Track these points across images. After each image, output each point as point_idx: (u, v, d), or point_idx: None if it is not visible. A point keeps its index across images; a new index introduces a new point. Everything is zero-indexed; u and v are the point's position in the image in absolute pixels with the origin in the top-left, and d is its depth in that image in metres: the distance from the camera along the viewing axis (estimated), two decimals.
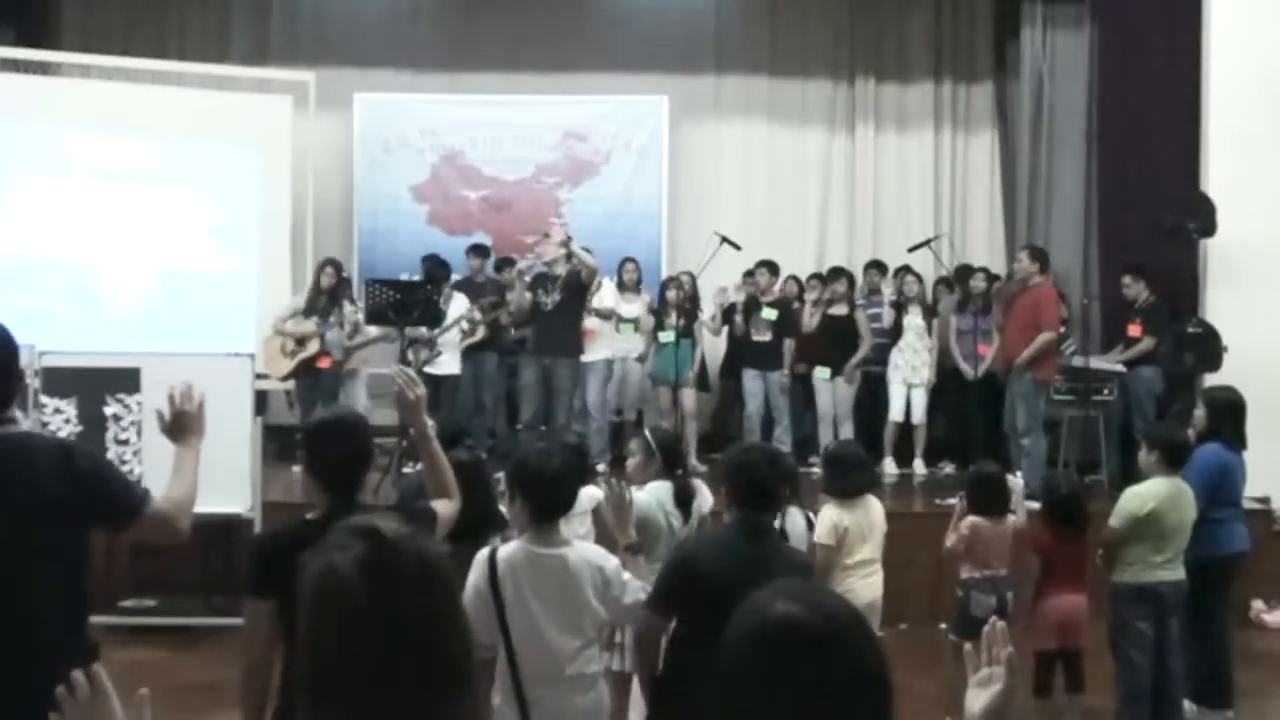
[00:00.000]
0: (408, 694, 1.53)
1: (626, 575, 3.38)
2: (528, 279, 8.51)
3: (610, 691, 4.70)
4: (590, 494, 4.93)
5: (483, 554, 3.31)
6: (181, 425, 2.98)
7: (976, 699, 1.82)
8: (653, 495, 4.43)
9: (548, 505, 3.30)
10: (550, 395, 8.24)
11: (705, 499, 4.74)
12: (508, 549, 3.31)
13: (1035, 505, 5.69)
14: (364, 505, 3.03)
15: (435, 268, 9.19)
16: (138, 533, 2.89)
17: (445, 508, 3.16)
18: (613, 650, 4.59)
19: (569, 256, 8.25)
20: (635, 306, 9.29)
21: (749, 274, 9.44)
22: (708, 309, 9.33)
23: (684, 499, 4.58)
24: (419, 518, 3.09)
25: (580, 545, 3.39)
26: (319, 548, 1.60)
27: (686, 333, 8.96)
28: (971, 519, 5.20)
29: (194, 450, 2.99)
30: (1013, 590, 5.19)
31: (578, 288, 8.22)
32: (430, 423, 3.19)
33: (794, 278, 9.78)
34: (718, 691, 1.58)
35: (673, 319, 8.87)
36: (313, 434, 3.12)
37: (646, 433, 4.87)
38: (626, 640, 4.55)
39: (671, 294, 8.97)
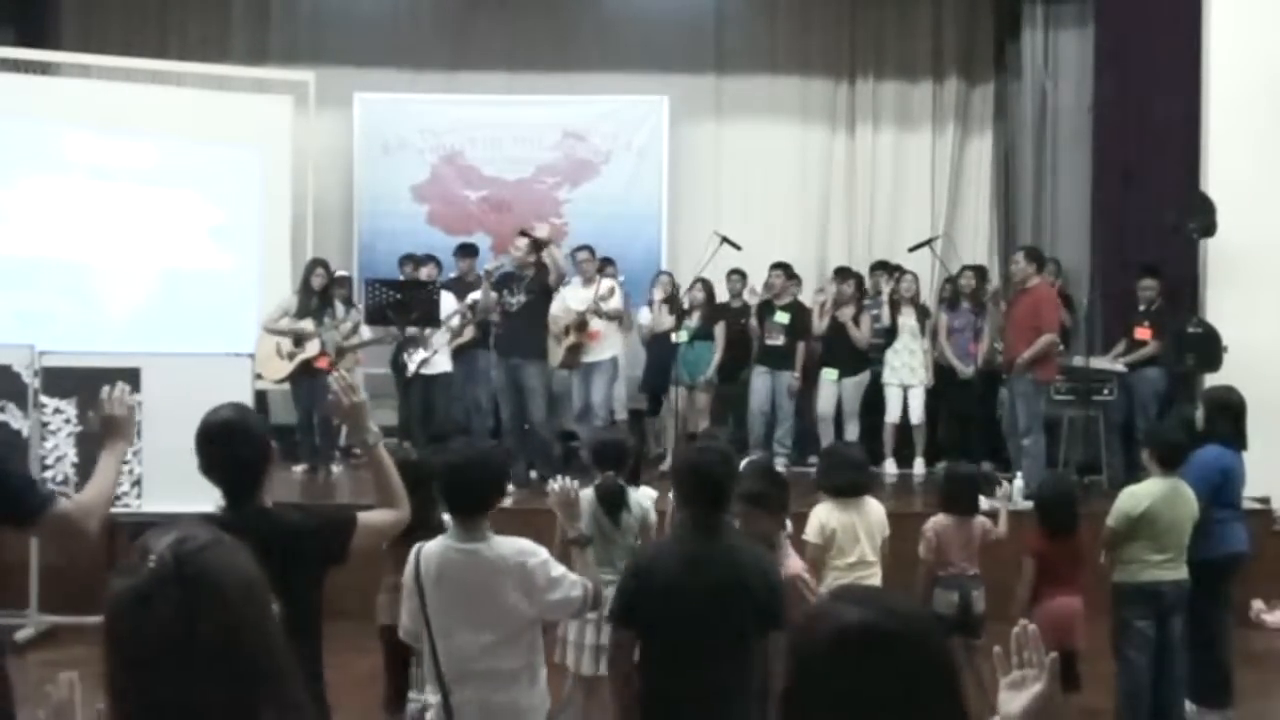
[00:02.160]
0: (181, 711, 1.46)
1: (559, 570, 3.34)
2: (494, 278, 8.44)
3: (577, 693, 4.74)
4: (648, 494, 4.95)
5: (413, 551, 3.40)
6: (110, 428, 2.94)
7: (1012, 700, 1.81)
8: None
9: (467, 505, 3.33)
10: (521, 397, 8.15)
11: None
12: (431, 545, 3.37)
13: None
14: (260, 506, 2.95)
15: (405, 263, 9.29)
16: (40, 534, 2.83)
17: (381, 516, 3.10)
18: (582, 651, 4.62)
19: (537, 256, 8.12)
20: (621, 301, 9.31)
21: (735, 272, 9.47)
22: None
23: (608, 500, 4.62)
24: (333, 524, 3.05)
25: (502, 541, 3.35)
26: (119, 565, 1.54)
27: (706, 334, 9.02)
28: (935, 519, 5.22)
29: (117, 454, 2.95)
30: (981, 589, 5.18)
31: (544, 289, 8.14)
32: (374, 429, 3.13)
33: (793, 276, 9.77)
34: (793, 703, 1.57)
35: (694, 319, 9.02)
36: (200, 436, 2.96)
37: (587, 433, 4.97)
38: (590, 641, 4.61)
39: (695, 295, 9.10)
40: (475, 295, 8.46)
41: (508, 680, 3.31)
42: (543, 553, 3.36)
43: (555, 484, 3.72)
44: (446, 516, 3.73)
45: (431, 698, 3.36)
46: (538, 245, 8.08)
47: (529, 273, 8.03)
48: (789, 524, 4.64)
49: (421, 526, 3.48)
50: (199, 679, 1.45)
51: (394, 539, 3.34)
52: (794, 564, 3.94)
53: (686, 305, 9.18)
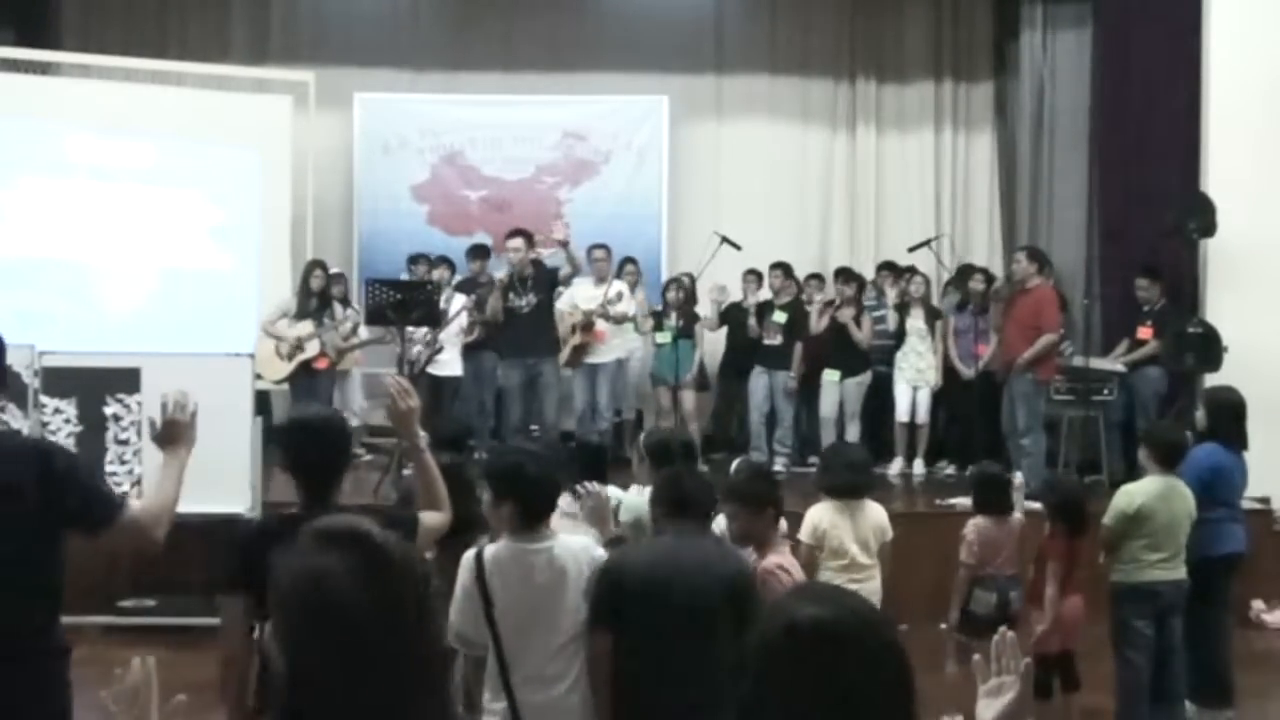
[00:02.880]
0: (390, 692, 1.53)
1: None
2: (504, 284, 8.49)
3: None
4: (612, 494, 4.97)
5: (469, 554, 3.33)
6: (172, 434, 2.95)
7: (988, 708, 1.82)
8: (646, 496, 4.45)
9: (537, 507, 3.31)
10: (538, 395, 8.19)
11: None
12: (494, 548, 3.32)
13: (1035, 505, 5.69)
14: (338, 505, 3.01)
15: (416, 262, 9.33)
16: (111, 539, 2.82)
17: (433, 518, 3.16)
18: None
19: (534, 255, 8.18)
20: (632, 305, 9.32)
21: (751, 273, 9.47)
22: (705, 308, 9.36)
23: None
24: (398, 524, 3.08)
25: (567, 538, 3.36)
26: (295, 548, 1.59)
27: (686, 333, 9.01)
28: (974, 521, 5.22)
29: (180, 460, 2.96)
30: (1018, 589, 5.19)
31: (550, 285, 8.22)
32: (423, 434, 3.16)
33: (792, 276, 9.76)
34: (746, 698, 1.58)
35: (672, 319, 8.94)
36: (290, 433, 3.11)
37: (642, 436, 4.91)
38: None
39: (671, 294, 9.03)
40: (480, 293, 8.50)
41: (577, 680, 3.28)
42: (600, 547, 3.40)
43: (587, 491, 3.71)
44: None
45: (495, 704, 3.29)
46: (531, 243, 8.17)
47: (529, 272, 8.11)
48: (784, 524, 4.57)
49: (470, 526, 3.49)
50: (390, 659, 1.53)
51: (448, 542, 3.36)
52: (772, 559, 3.88)
53: (652, 308, 9.18)
